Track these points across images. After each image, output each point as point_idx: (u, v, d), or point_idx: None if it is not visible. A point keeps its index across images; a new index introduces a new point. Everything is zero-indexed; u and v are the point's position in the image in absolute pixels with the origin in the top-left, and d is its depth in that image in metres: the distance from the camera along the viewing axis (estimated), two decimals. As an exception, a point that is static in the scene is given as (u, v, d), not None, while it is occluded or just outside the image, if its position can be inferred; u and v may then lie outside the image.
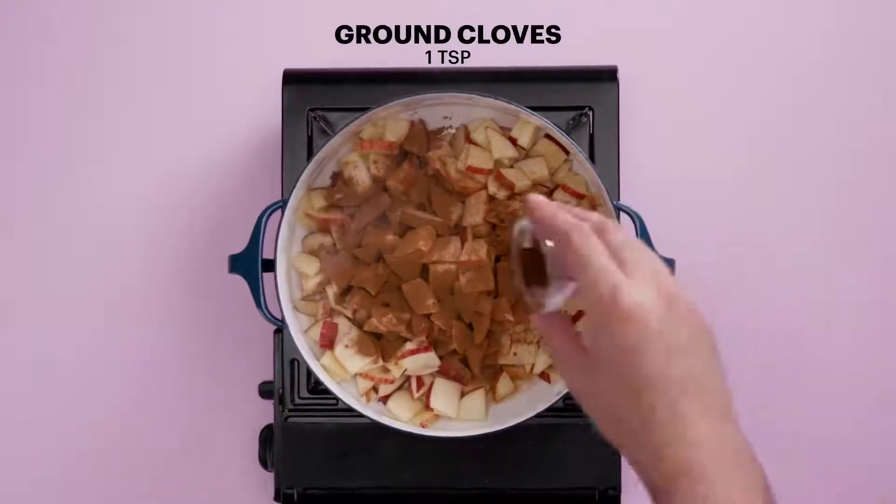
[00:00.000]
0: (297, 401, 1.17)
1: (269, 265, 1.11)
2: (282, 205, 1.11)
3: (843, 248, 1.24)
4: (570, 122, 1.16)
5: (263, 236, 1.10)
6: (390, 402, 1.14)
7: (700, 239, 1.23)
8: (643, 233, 1.09)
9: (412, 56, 1.26)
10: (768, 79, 1.26)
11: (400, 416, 1.13)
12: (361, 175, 1.14)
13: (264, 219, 1.11)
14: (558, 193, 1.13)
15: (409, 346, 1.13)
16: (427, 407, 1.13)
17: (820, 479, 1.23)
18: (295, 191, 1.11)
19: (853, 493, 1.23)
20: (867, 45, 1.26)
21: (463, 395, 1.14)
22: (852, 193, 1.25)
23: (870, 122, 1.25)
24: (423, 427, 1.13)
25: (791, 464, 1.19)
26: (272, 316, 1.11)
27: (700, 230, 1.23)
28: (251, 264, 1.10)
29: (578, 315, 1.12)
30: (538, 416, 1.10)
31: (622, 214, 1.11)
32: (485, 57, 1.25)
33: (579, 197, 1.13)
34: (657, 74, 1.25)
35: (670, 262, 1.08)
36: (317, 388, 1.17)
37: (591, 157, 1.16)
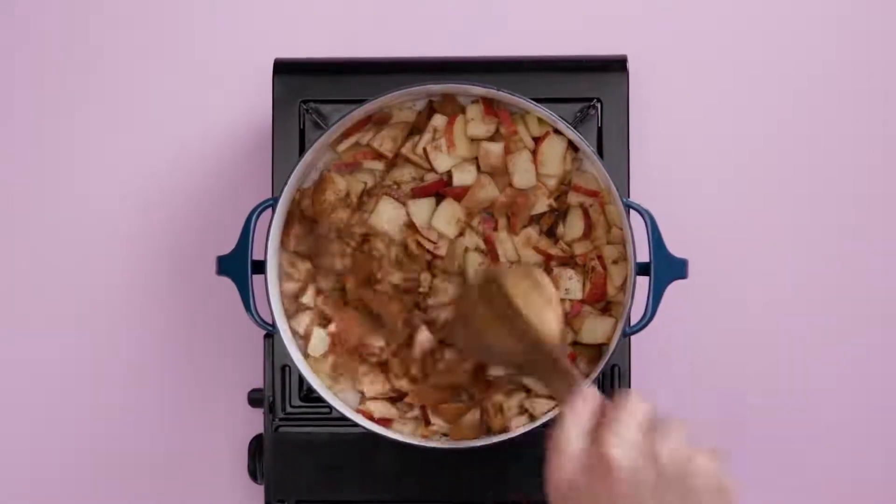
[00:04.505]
0: (289, 409, 1.14)
1: (260, 266, 1.07)
2: (272, 203, 1.07)
3: (858, 249, 1.22)
4: (578, 114, 1.13)
5: (253, 236, 1.06)
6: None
7: (714, 237, 1.21)
8: (654, 231, 1.05)
9: (410, 46, 1.22)
10: (786, 68, 1.23)
11: (400, 429, 1.10)
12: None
13: (254, 218, 1.07)
14: (571, 195, 1.10)
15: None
16: (426, 424, 1.10)
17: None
18: (286, 189, 1.07)
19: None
20: (882, 36, 1.23)
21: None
22: (869, 193, 1.23)
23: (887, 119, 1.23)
24: (424, 438, 1.09)
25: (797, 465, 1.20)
26: (262, 320, 1.07)
27: (714, 228, 1.22)
28: (240, 266, 1.06)
29: None
30: (541, 426, 1.05)
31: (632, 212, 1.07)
32: (488, 46, 1.22)
33: (593, 194, 1.08)
34: (669, 64, 1.23)
35: (682, 262, 1.05)
36: (309, 395, 1.14)
37: (600, 152, 1.12)
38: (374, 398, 1.09)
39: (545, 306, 1.01)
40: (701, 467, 0.81)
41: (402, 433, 1.09)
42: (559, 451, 0.84)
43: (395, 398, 1.10)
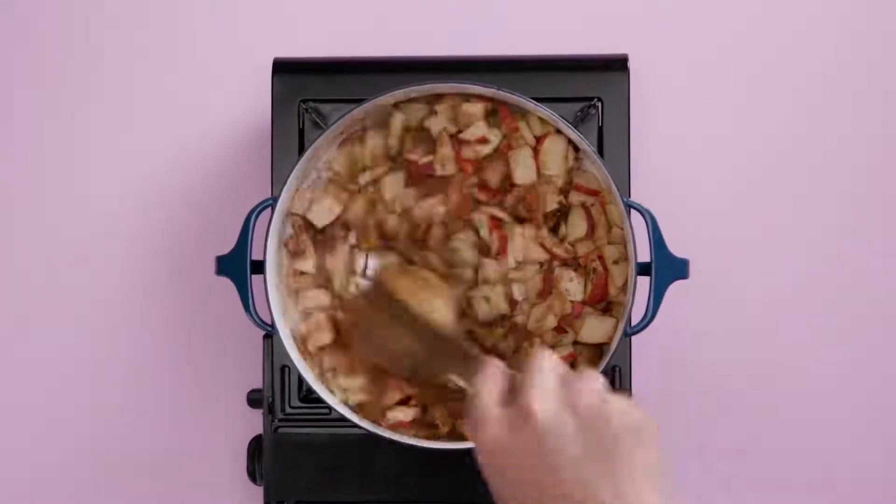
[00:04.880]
0: (288, 410, 1.13)
1: (259, 266, 1.06)
2: (271, 203, 1.06)
3: (858, 249, 1.22)
4: (578, 113, 1.12)
5: (252, 236, 1.05)
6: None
7: (715, 237, 1.20)
8: (655, 231, 1.04)
9: (410, 46, 1.21)
10: (786, 68, 1.22)
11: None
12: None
13: (253, 218, 1.06)
14: (573, 194, 1.09)
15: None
16: (431, 426, 1.09)
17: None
18: (285, 189, 1.06)
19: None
20: (882, 36, 1.23)
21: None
22: (869, 193, 1.22)
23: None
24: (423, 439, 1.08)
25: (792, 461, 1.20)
26: (261, 321, 1.05)
27: (715, 228, 1.21)
28: (239, 266, 1.05)
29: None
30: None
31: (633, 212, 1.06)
32: (488, 45, 1.21)
33: (594, 193, 1.08)
34: (669, 64, 1.22)
35: (684, 262, 1.04)
36: (309, 396, 1.13)
37: (600, 151, 1.11)
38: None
39: (433, 295, 1.03)
40: (615, 409, 0.83)
41: (403, 434, 1.08)
42: (480, 419, 0.86)
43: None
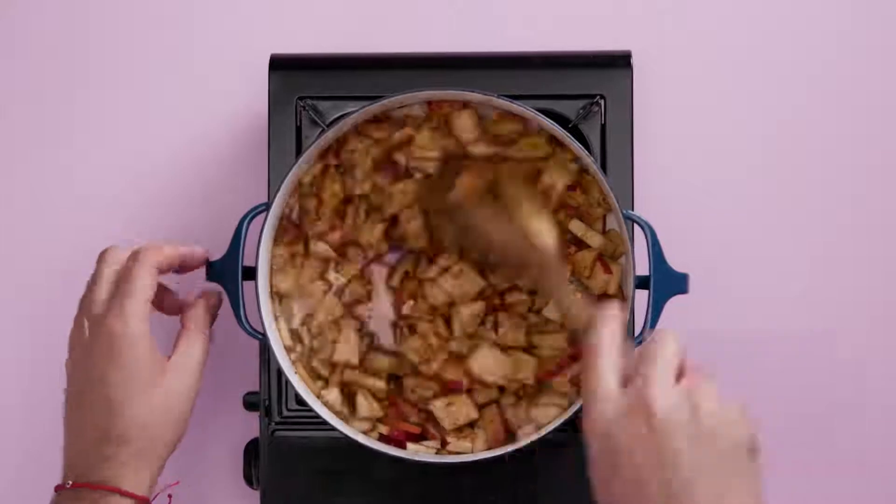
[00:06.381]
0: (286, 413, 1.12)
1: (252, 273, 1.04)
2: (265, 208, 1.04)
3: (867, 267, 1.20)
4: (581, 111, 1.10)
5: (244, 241, 1.04)
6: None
7: (716, 240, 1.19)
8: (655, 245, 1.01)
9: (410, 43, 1.19)
10: (799, 62, 1.20)
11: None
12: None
13: (245, 223, 1.04)
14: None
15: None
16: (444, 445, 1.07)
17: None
18: (279, 195, 1.04)
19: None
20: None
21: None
22: (883, 208, 1.20)
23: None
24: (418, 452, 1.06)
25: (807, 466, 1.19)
26: (253, 329, 1.04)
27: (718, 229, 1.19)
28: (231, 273, 1.04)
29: None
30: (549, 432, 1.03)
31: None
32: (488, 42, 1.19)
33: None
34: (673, 60, 1.20)
35: (683, 276, 1.01)
36: (306, 399, 1.11)
37: (603, 150, 1.10)
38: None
39: (538, 216, 1.00)
40: (735, 425, 0.79)
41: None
42: (593, 394, 0.81)
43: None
